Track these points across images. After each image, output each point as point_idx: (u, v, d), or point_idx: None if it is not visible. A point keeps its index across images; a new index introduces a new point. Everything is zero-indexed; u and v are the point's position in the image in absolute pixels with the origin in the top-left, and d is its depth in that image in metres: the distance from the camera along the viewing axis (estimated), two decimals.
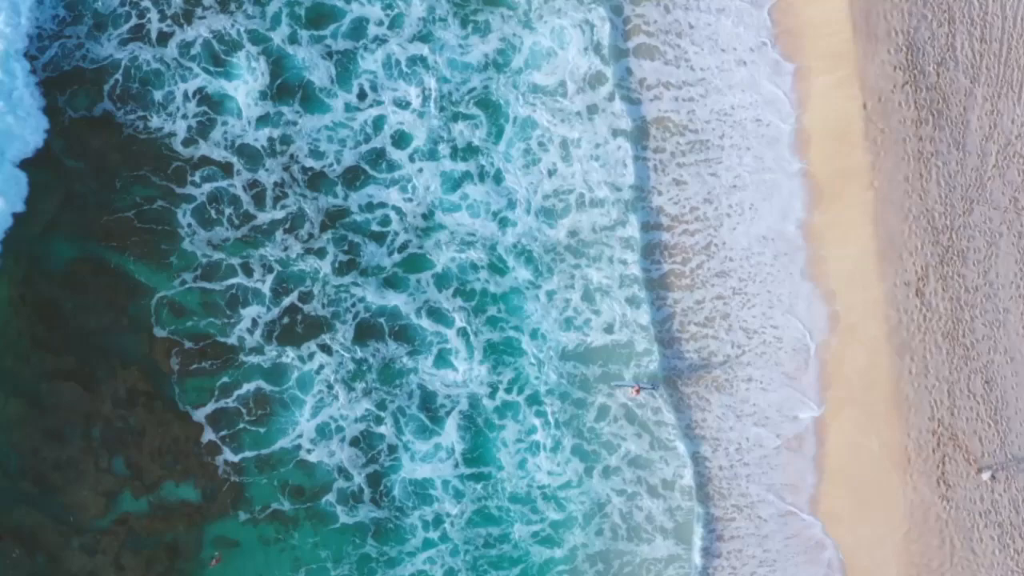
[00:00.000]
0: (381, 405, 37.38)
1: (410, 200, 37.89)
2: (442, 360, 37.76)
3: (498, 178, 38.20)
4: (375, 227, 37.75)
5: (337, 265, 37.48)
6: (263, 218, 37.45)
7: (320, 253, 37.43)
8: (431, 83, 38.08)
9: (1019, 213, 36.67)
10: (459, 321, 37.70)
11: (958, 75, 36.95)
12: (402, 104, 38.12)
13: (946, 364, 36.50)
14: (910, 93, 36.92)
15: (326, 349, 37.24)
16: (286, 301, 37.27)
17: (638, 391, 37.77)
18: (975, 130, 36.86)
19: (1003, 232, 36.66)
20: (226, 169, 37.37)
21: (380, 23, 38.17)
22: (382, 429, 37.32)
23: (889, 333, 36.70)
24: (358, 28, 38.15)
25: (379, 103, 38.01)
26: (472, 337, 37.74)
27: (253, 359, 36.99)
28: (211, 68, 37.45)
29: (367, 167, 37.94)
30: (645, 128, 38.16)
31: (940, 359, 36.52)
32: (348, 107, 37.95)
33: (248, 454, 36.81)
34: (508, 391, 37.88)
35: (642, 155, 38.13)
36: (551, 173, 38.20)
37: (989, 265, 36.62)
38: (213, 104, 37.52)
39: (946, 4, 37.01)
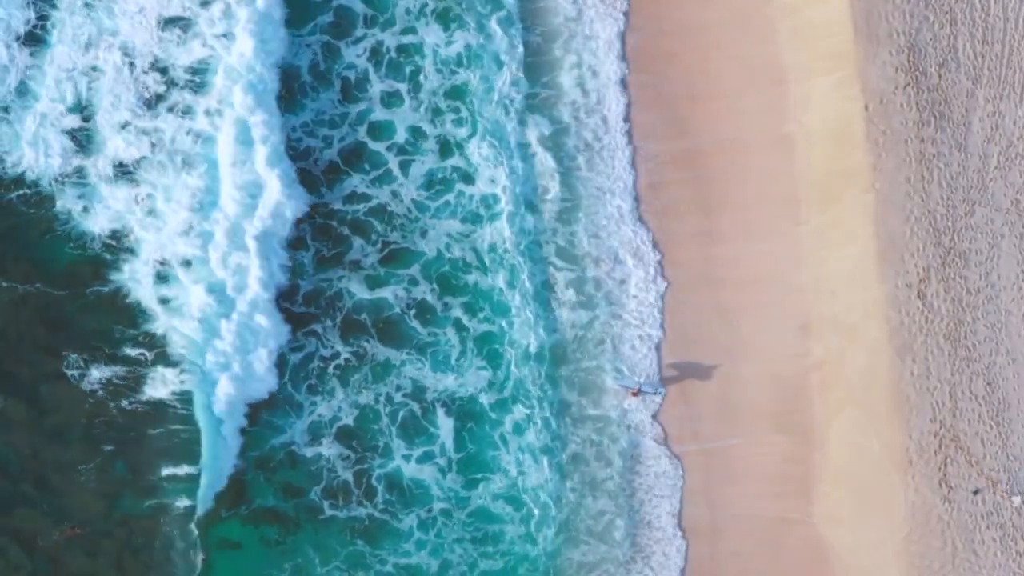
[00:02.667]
0: (374, 401, 37.33)
1: (394, 195, 37.88)
2: (434, 357, 37.69)
3: (478, 175, 38.26)
4: (360, 220, 37.75)
5: (319, 260, 37.55)
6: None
7: (305, 247, 37.51)
8: (421, 76, 38.31)
9: (1021, 215, 36.61)
10: (451, 316, 37.72)
11: (960, 76, 36.88)
12: (383, 100, 38.18)
13: (948, 366, 36.45)
14: (912, 94, 36.86)
15: (315, 336, 37.20)
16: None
17: (637, 393, 37.64)
18: (977, 132, 36.80)
19: (1005, 234, 36.61)
20: None
21: (366, 21, 38.32)
22: (373, 426, 37.26)
23: (890, 334, 36.62)
24: (341, 23, 38.21)
25: (364, 99, 38.10)
26: (464, 333, 37.73)
27: None
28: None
29: (347, 164, 38.01)
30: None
31: (942, 360, 36.46)
32: (333, 103, 38.01)
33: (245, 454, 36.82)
34: (500, 389, 37.80)
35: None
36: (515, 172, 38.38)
37: (991, 267, 36.56)
38: None
39: (948, 5, 36.96)
